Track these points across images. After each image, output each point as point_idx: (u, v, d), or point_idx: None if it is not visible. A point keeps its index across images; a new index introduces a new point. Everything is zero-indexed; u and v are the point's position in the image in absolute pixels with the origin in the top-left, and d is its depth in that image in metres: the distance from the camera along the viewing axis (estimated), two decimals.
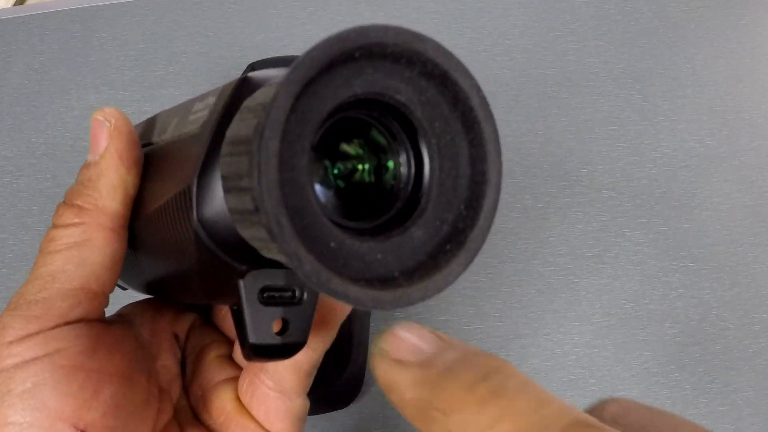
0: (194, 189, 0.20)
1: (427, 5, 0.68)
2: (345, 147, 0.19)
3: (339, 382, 0.45)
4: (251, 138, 0.16)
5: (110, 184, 0.23)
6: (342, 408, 0.47)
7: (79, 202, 0.23)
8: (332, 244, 0.17)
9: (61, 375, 0.22)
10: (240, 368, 0.27)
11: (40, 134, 0.61)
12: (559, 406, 0.16)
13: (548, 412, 0.15)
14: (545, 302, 0.51)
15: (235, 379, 0.27)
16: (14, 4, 1.31)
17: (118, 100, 0.62)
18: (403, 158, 0.19)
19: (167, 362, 0.27)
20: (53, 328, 0.22)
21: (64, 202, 0.24)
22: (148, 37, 0.67)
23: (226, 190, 0.18)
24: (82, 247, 0.23)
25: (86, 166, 0.24)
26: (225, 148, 0.18)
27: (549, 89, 0.62)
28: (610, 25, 0.66)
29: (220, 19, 0.68)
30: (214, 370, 0.27)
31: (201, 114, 0.21)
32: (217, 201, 0.20)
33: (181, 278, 0.24)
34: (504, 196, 0.56)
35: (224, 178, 0.18)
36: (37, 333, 0.22)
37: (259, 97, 0.18)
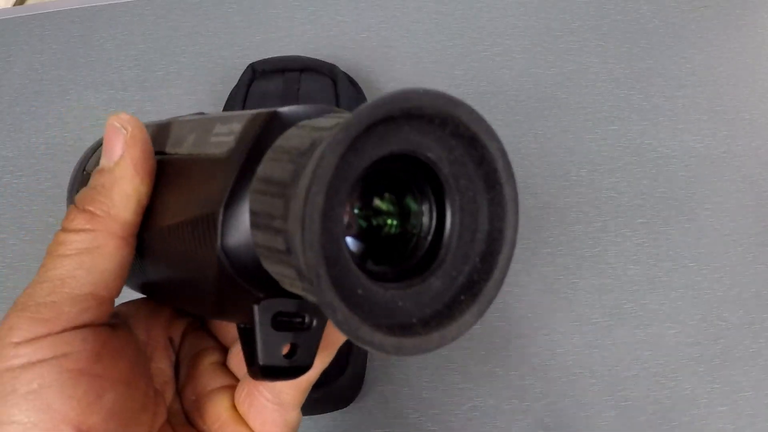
0: (220, 218, 0.20)
1: (427, 5, 0.68)
2: (378, 203, 0.20)
3: (339, 382, 0.45)
4: (287, 183, 0.17)
5: (124, 193, 0.23)
6: (342, 408, 0.47)
7: (91, 208, 0.23)
8: (360, 291, 0.18)
9: (66, 378, 0.22)
10: (234, 376, 0.28)
11: (40, 134, 0.61)
12: None
13: None
14: (545, 302, 0.51)
15: (230, 387, 0.27)
16: (14, 4, 1.31)
17: (118, 100, 0.62)
18: (425, 208, 0.20)
19: (161, 365, 0.28)
20: (61, 332, 0.22)
21: (75, 205, 0.24)
22: (148, 37, 0.67)
23: (255, 225, 0.19)
24: (92, 254, 0.23)
25: (100, 172, 0.24)
26: (257, 185, 0.19)
27: (549, 89, 0.62)
28: (610, 25, 0.66)
29: (220, 19, 0.68)
30: (209, 377, 0.27)
31: (225, 139, 0.22)
32: (242, 233, 0.20)
33: (192, 292, 0.24)
34: None
35: (254, 213, 0.19)
36: (45, 336, 0.22)
37: (294, 140, 0.19)
